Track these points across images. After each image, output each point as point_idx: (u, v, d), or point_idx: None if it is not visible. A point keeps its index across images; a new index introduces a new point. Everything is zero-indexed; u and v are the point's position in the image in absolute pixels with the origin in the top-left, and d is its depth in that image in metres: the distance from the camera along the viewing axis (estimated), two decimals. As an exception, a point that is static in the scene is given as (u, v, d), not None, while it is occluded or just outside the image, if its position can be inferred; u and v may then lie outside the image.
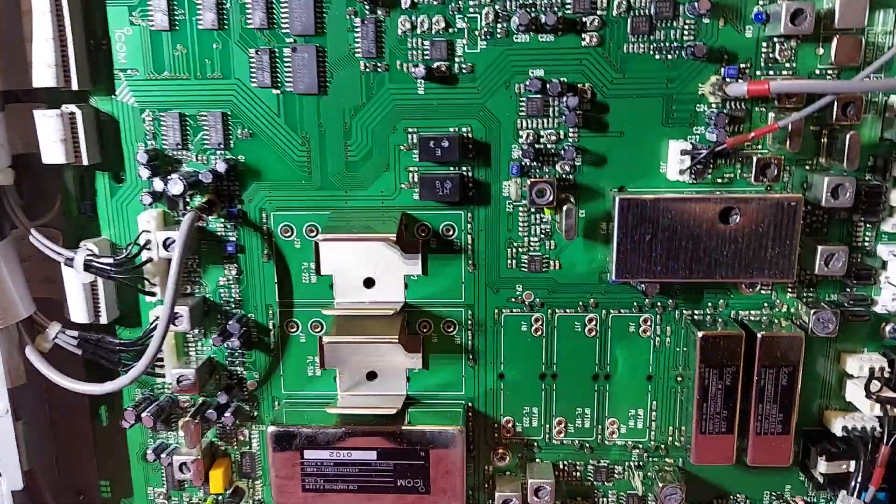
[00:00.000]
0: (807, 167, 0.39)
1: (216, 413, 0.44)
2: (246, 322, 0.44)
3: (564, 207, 0.38)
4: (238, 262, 0.43)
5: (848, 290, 0.40)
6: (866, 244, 0.40)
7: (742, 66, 0.38)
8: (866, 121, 0.38)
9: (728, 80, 0.38)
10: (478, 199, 0.41)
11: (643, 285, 0.40)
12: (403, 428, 0.42)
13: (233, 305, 0.44)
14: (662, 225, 0.37)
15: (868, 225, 0.39)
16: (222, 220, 0.43)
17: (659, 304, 0.42)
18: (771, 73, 0.38)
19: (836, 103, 0.36)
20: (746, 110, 0.39)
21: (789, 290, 0.41)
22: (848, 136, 0.36)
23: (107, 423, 0.47)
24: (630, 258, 0.38)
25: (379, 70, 0.40)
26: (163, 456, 0.45)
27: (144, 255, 0.41)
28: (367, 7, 0.39)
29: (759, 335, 0.38)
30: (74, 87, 0.40)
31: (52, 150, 0.40)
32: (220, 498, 0.46)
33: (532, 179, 0.39)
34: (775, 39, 0.38)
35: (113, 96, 0.41)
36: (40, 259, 0.43)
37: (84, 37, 0.40)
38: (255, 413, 0.46)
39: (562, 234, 0.39)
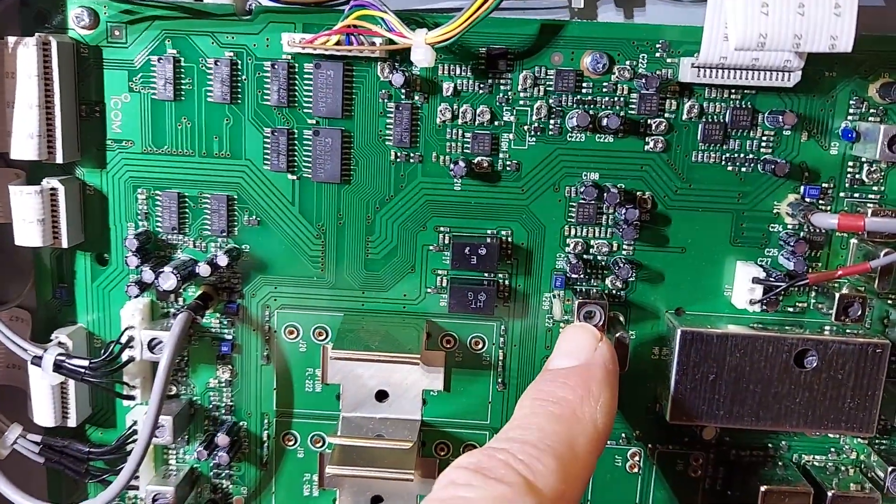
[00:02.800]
0: (889, 300, 0.35)
1: (195, 535, 0.39)
2: (237, 431, 0.39)
3: (617, 335, 0.34)
4: (232, 364, 0.38)
5: (927, 440, 0.36)
6: (952, 392, 0.36)
7: (824, 185, 0.34)
8: (957, 254, 0.35)
9: (808, 200, 0.34)
10: (514, 310, 0.37)
11: (700, 427, 0.35)
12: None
13: (223, 411, 0.38)
14: (729, 364, 0.33)
15: (955, 372, 0.35)
16: (218, 315, 0.38)
17: (714, 439, 0.37)
18: (856, 195, 0.34)
19: (933, 240, 0.32)
20: (826, 235, 0.35)
21: (860, 436, 0.37)
22: (945, 279, 0.32)
23: (68, 535, 0.41)
24: (689, 399, 0.33)
25: (411, 161, 0.36)
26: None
27: (125, 355, 0.36)
28: (402, 91, 0.35)
29: (829, 494, 0.34)
30: (59, 160, 0.35)
31: (28, 231, 0.35)
32: None
33: (580, 300, 0.34)
34: (864, 160, 0.34)
35: (103, 169, 0.36)
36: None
37: (75, 103, 0.35)
38: (241, 534, 0.40)
39: (611, 363, 0.34)
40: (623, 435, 0.37)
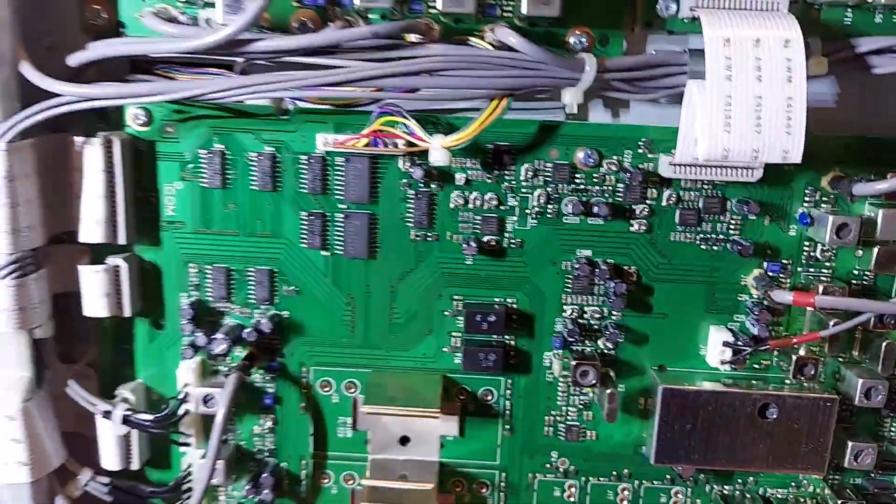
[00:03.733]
0: (840, 359, 0.41)
1: (244, 561, 0.44)
2: (279, 472, 0.44)
3: (608, 391, 0.39)
4: (274, 413, 0.43)
5: (872, 476, 0.42)
6: (892, 434, 0.41)
7: (784, 262, 0.40)
8: (900, 321, 0.40)
9: (771, 274, 0.39)
10: (519, 367, 0.42)
11: (680, 468, 0.41)
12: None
13: (266, 454, 0.44)
14: (703, 415, 0.38)
15: (895, 419, 0.41)
16: (261, 372, 0.43)
17: (691, 478, 0.43)
18: (811, 269, 0.40)
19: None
20: (786, 304, 0.40)
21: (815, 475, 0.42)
22: (884, 345, 0.38)
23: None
24: (670, 445, 0.39)
25: (429, 239, 0.41)
26: None
27: (182, 409, 0.41)
28: (421, 182, 0.40)
29: (788, 523, 0.40)
30: (122, 241, 0.40)
31: (95, 304, 0.40)
32: None
33: (576, 360, 0.40)
34: (817, 241, 0.39)
35: (158, 247, 0.41)
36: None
37: (133, 191, 0.40)
38: (283, 560, 0.46)
39: (603, 414, 0.40)
40: (614, 472, 0.43)
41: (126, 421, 0.41)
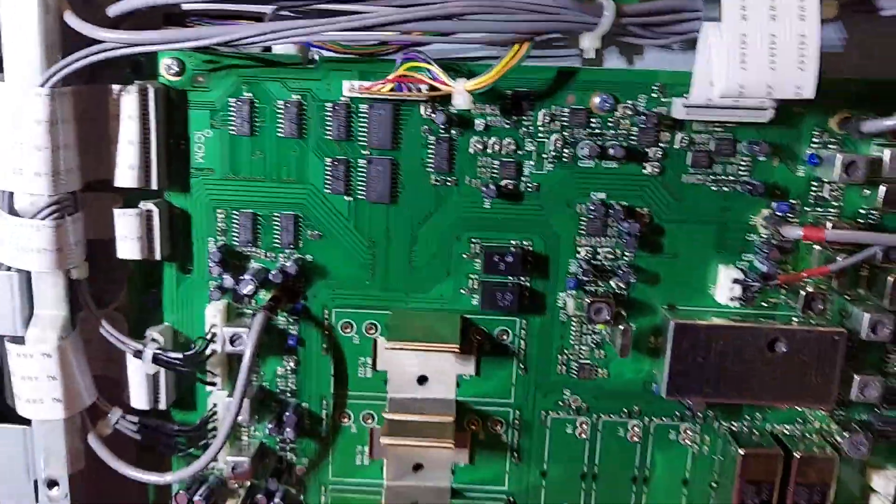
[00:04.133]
0: (846, 296, 0.42)
1: (266, 499, 0.46)
2: (300, 411, 0.46)
3: (621, 327, 0.40)
4: (297, 355, 0.45)
5: (878, 410, 0.43)
6: (897, 370, 0.43)
7: (793, 201, 0.41)
8: (904, 258, 0.41)
9: (779, 214, 0.41)
10: (534, 307, 0.44)
11: (690, 402, 0.42)
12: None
13: (288, 395, 0.46)
14: (714, 350, 0.40)
15: (901, 353, 0.42)
16: (285, 314, 0.44)
17: (700, 413, 0.44)
18: (818, 209, 0.41)
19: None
20: (794, 243, 0.41)
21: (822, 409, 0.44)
22: (890, 279, 0.39)
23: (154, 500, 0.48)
24: (681, 379, 0.40)
25: (448, 184, 0.42)
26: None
27: (209, 348, 0.43)
28: (441, 127, 0.41)
29: (796, 455, 0.41)
30: (154, 187, 0.41)
31: (128, 247, 0.42)
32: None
33: (590, 298, 0.41)
34: (825, 180, 0.41)
35: (187, 193, 0.43)
36: (102, 339, 0.44)
37: (165, 138, 0.42)
38: (302, 497, 0.47)
39: (616, 350, 0.41)
40: (625, 409, 0.44)
41: (156, 360, 0.42)
